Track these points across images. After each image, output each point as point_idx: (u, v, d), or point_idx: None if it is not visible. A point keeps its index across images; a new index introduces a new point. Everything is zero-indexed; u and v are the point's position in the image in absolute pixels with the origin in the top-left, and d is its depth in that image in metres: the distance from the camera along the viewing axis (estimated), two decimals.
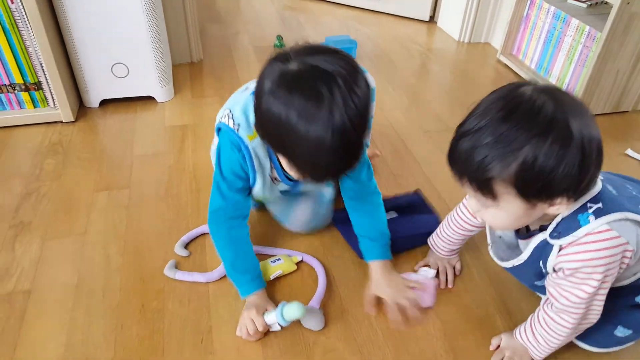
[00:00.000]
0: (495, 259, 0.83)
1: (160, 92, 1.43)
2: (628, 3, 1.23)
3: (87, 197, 1.09)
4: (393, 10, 2.13)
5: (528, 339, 0.78)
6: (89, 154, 1.22)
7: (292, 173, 0.77)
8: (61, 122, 1.32)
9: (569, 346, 0.79)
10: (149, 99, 1.44)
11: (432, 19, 2.10)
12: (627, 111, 1.52)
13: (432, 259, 0.96)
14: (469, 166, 0.63)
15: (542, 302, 0.77)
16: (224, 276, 0.91)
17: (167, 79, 1.44)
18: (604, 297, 0.71)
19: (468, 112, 0.65)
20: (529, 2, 1.64)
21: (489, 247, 0.83)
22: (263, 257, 0.94)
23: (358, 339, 0.83)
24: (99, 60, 1.32)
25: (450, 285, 0.93)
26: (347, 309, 0.88)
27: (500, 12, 1.85)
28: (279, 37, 1.85)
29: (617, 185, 0.70)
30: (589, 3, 1.51)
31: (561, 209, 0.65)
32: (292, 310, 0.78)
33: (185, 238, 0.99)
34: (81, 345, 0.80)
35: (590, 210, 0.66)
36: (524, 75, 1.66)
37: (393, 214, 1.04)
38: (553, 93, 0.61)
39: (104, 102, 1.41)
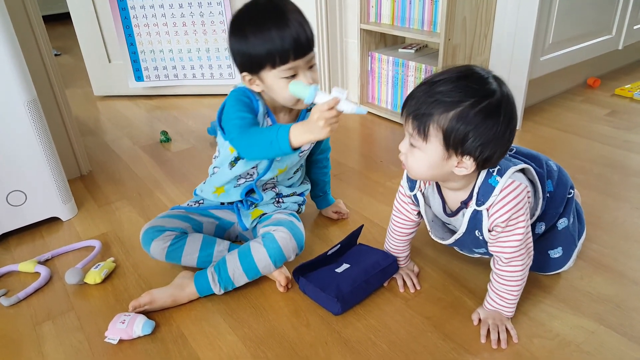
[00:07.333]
0: (438, 240, 0.98)
1: (64, 209, 1.34)
2: (449, 39, 1.63)
3: (28, 334, 0.96)
4: None
5: (497, 303, 0.92)
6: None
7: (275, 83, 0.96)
8: None
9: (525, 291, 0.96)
10: (52, 220, 1.34)
11: None
12: None
13: None
14: (419, 105, 0.78)
15: (492, 264, 0.93)
16: None
17: (68, 195, 1.36)
18: (530, 233, 0.90)
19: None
20: (370, 57, 2.01)
21: (430, 233, 0.99)
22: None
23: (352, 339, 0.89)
24: None
25: (418, 287, 1.05)
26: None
27: (348, 70, 2.20)
28: (164, 132, 1.89)
29: None
30: (415, 48, 1.93)
31: (463, 171, 0.81)
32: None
33: None
34: None
35: (495, 173, 0.86)
36: (385, 115, 1.99)
37: (345, 266, 1.05)
38: (500, 80, 0.80)
39: (3, 237, 1.26)
